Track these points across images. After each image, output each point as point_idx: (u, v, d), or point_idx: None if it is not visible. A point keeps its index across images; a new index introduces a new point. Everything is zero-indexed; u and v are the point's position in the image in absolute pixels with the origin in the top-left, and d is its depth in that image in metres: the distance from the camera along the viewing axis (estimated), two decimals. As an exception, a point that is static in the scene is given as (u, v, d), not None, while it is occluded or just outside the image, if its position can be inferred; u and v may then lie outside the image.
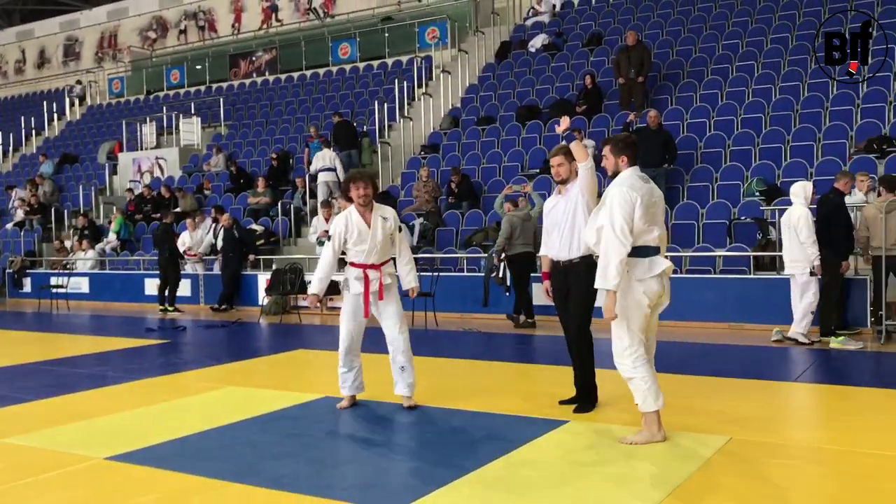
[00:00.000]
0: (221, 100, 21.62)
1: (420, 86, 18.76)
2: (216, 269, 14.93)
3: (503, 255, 11.03)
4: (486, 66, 18.36)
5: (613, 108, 14.72)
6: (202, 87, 23.68)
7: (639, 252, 4.79)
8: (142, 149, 21.27)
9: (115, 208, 18.50)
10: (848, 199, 9.81)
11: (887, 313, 8.90)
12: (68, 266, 16.83)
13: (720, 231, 11.46)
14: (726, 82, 14.29)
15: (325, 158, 15.69)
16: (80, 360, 9.11)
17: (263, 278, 13.91)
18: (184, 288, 14.73)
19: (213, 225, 15.08)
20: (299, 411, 6.18)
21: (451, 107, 17.59)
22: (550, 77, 16.53)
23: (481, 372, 7.92)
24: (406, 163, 16.37)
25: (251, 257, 14.48)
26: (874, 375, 7.52)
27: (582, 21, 18.28)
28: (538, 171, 13.58)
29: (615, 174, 4.97)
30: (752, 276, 10.49)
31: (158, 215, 17.11)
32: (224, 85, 23.29)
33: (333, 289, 13.37)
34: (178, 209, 16.53)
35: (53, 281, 16.00)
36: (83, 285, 16.48)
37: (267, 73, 22.91)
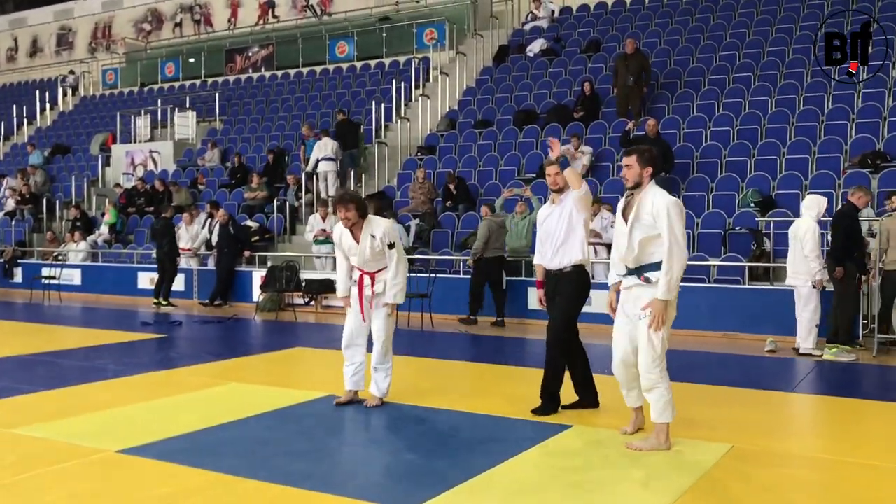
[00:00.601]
0: (217, 94, 21.59)
1: (417, 87, 18.81)
2: (210, 265, 14.94)
3: (478, 257, 11.50)
4: (483, 69, 18.45)
5: (611, 115, 14.84)
6: (197, 82, 23.64)
7: None
8: (135, 141, 21.20)
9: (107, 200, 18.45)
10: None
11: (879, 327, 9.04)
12: (60, 257, 16.77)
13: (715, 241, 11.60)
14: (723, 93, 14.44)
15: (326, 148, 15.73)
16: (79, 353, 9.13)
17: (258, 275, 13.93)
18: (178, 283, 14.73)
19: (209, 220, 15.09)
20: (304, 409, 6.24)
21: (448, 109, 17.65)
22: (548, 82, 16.63)
23: (482, 374, 8.00)
24: (402, 163, 16.42)
25: (247, 253, 14.51)
26: (871, 387, 7.62)
27: (580, 27, 18.40)
28: (535, 175, 13.66)
29: (637, 185, 5.03)
30: (747, 286, 10.62)
31: (152, 209, 17.13)
32: (220, 80, 23.25)
33: (329, 287, 13.51)
34: (173, 203, 16.51)
35: (46, 272, 15.94)
36: (75, 277, 16.42)
37: (263, 70, 22.89)
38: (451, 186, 14.15)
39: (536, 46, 17.84)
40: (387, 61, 20.63)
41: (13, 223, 18.86)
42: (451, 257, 12.94)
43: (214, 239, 14.61)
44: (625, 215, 5.05)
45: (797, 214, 11.20)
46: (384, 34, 20.99)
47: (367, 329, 6.24)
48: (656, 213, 4.88)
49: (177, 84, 24.00)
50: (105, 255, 17.05)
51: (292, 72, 22.11)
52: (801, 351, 8.94)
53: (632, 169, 5.03)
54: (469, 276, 11.94)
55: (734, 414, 6.09)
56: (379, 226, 6.07)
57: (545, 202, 6.36)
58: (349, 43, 21.56)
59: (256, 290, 13.70)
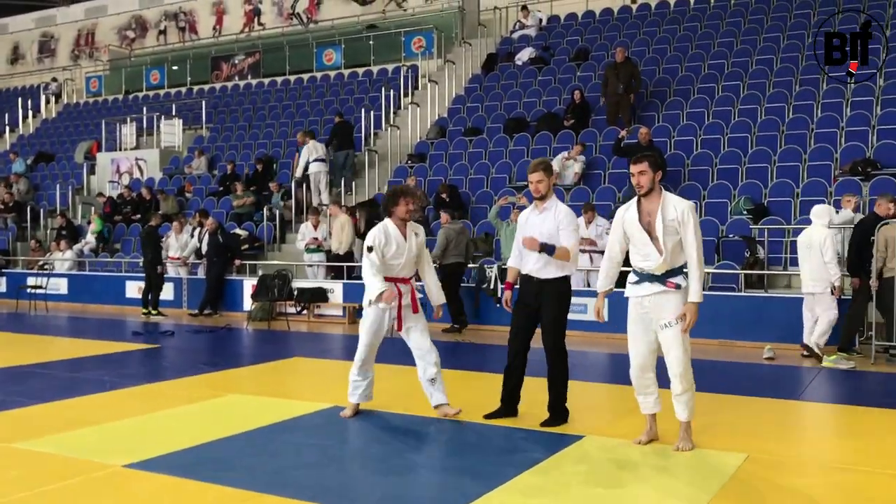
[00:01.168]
0: (203, 102, 21.44)
1: (406, 94, 18.78)
2: (200, 274, 14.80)
3: (437, 264, 11.38)
4: (472, 77, 18.45)
5: (601, 123, 14.87)
6: (183, 89, 23.47)
7: None
8: (121, 149, 21.02)
9: (93, 209, 18.25)
10: (838, 218, 10.02)
11: (875, 335, 9.08)
12: (46, 266, 16.56)
13: (708, 248, 11.60)
14: (713, 101, 14.51)
15: (316, 150, 15.77)
16: (72, 364, 8.97)
17: (248, 284, 13.81)
18: (167, 292, 14.57)
19: (198, 229, 14.95)
20: (311, 420, 6.15)
21: (437, 116, 17.62)
22: (538, 90, 16.65)
23: (485, 385, 7.93)
24: (393, 171, 16.36)
25: (237, 262, 14.39)
26: (875, 395, 7.57)
27: (569, 36, 18.44)
28: (526, 183, 13.63)
29: (650, 190, 5.09)
30: (741, 293, 10.66)
31: (139, 217, 16.96)
32: (205, 87, 23.10)
33: (321, 296, 13.42)
34: (160, 212, 16.35)
35: (32, 281, 15.73)
36: (62, 286, 16.22)
37: (249, 77, 22.77)
38: (444, 195, 14.09)
39: (525, 55, 17.85)
40: (375, 69, 20.59)
41: (-4, 232, 18.62)
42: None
43: (204, 248, 14.48)
44: (643, 223, 5.04)
45: (790, 222, 11.34)
46: (371, 42, 20.96)
47: (381, 343, 6.17)
48: (682, 219, 4.94)
49: (162, 92, 23.82)
50: (92, 264, 16.85)
51: (279, 79, 22.02)
52: (808, 343, 9.10)
53: (646, 175, 5.08)
54: (463, 285, 11.91)
55: (745, 422, 6.07)
56: (418, 226, 6.20)
57: None
58: (336, 50, 21.50)
59: (247, 299, 13.57)
